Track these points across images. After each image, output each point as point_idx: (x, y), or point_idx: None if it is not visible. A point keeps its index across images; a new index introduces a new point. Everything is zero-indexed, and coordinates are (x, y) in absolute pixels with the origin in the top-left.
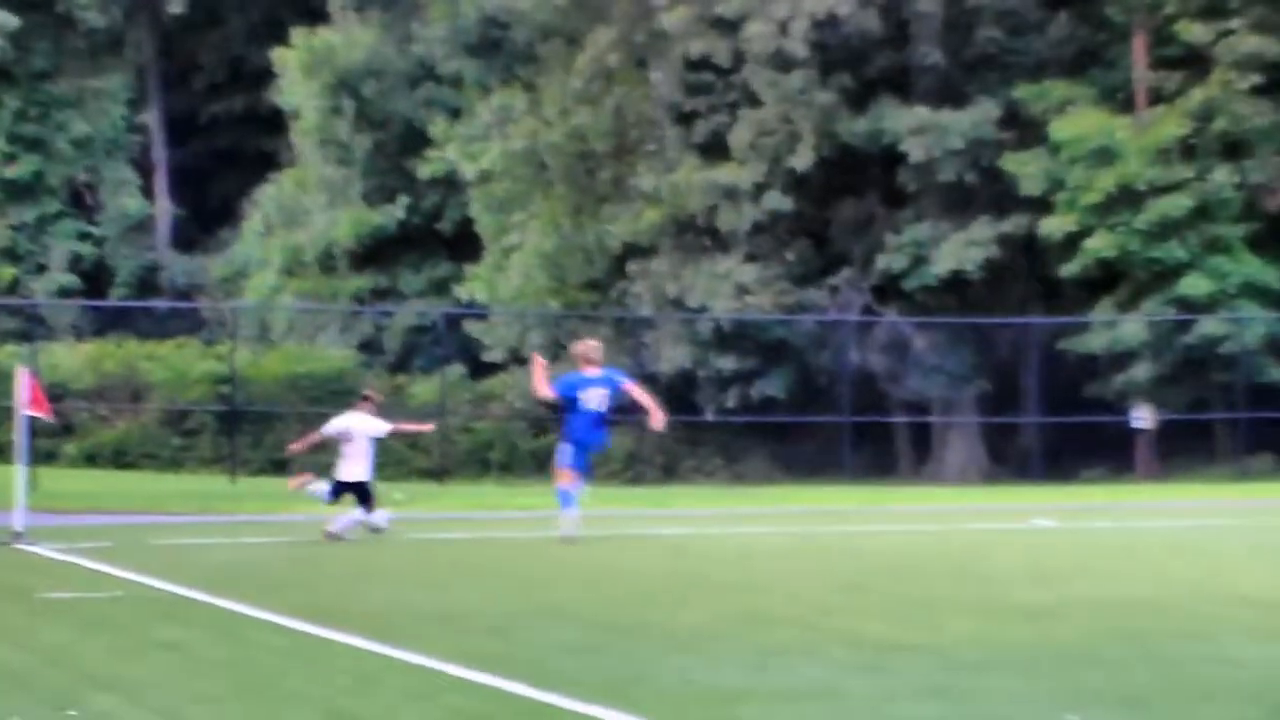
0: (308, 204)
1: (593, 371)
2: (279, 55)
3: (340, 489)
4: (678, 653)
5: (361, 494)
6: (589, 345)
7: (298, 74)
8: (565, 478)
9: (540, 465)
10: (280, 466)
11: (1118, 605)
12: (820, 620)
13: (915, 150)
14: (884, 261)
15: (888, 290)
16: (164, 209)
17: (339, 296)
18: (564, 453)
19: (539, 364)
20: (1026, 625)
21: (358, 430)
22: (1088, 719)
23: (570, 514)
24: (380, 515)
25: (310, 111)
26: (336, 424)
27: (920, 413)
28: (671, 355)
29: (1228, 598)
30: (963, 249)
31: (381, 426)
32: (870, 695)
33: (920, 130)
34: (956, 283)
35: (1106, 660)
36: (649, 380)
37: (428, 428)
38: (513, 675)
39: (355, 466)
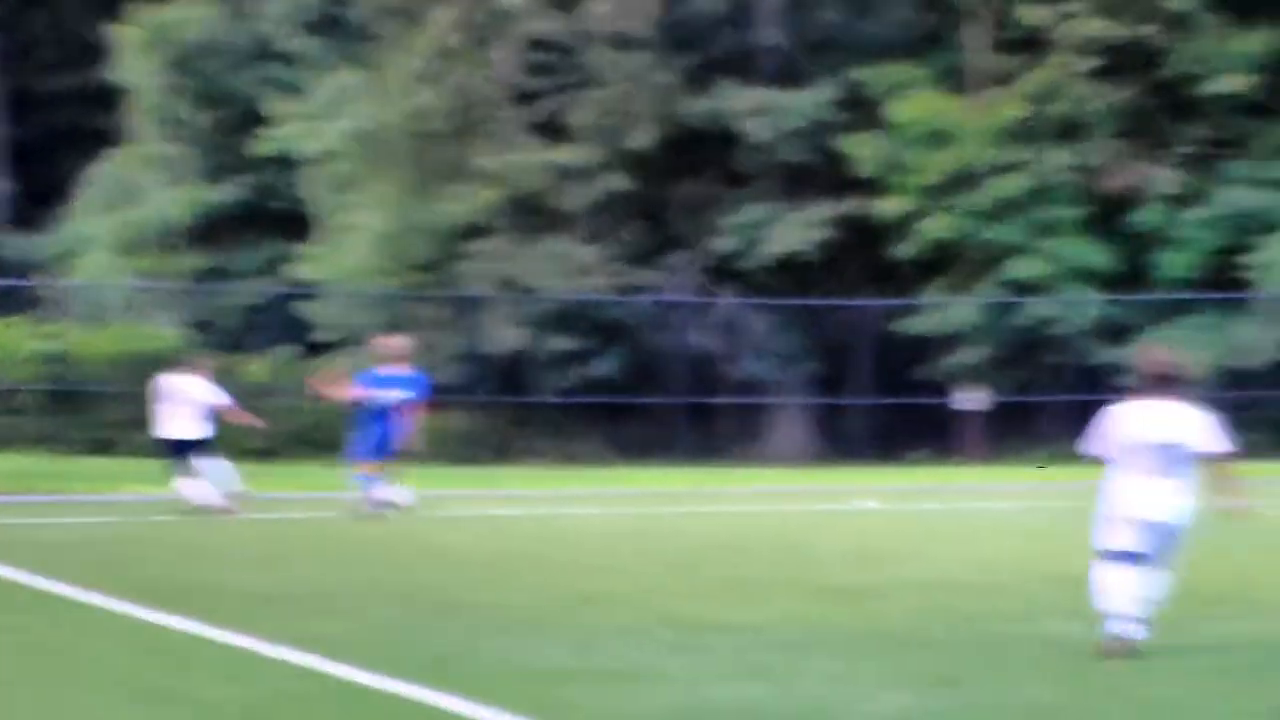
0: (144, 182)
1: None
2: (116, 31)
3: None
4: (501, 633)
5: (181, 452)
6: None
7: (135, 51)
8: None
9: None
10: (106, 446)
11: (941, 586)
12: (645, 600)
13: (754, 131)
14: (720, 243)
15: (723, 271)
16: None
17: (176, 275)
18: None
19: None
20: (849, 606)
21: (182, 390)
22: (909, 701)
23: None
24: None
25: (148, 89)
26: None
27: (753, 394)
28: (505, 336)
29: (1052, 578)
30: (798, 230)
31: (220, 398)
32: (692, 676)
33: (760, 111)
34: (792, 264)
35: (929, 641)
36: (480, 361)
37: (260, 424)
38: (334, 655)
39: (178, 425)
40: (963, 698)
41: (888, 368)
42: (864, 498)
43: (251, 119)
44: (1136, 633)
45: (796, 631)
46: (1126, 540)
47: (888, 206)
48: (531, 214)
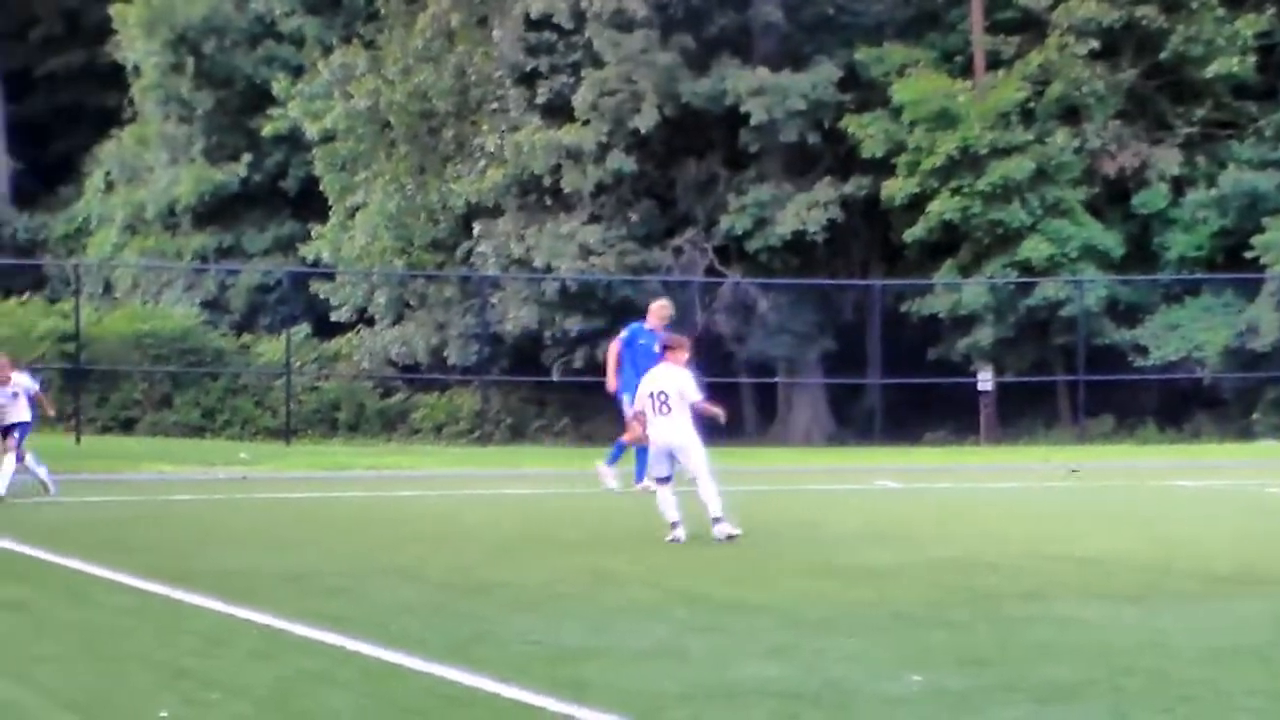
0: (150, 161)
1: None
2: (118, 10)
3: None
4: (523, 612)
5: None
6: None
7: (137, 30)
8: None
9: (388, 425)
10: (127, 426)
11: (959, 566)
12: (665, 580)
13: (757, 111)
14: (727, 222)
15: (731, 251)
16: (3, 164)
17: (183, 254)
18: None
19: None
20: (869, 586)
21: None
22: (929, 679)
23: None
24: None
25: (150, 68)
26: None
27: (766, 374)
28: (518, 315)
29: (1065, 558)
30: (805, 210)
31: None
32: (712, 654)
33: (761, 91)
34: (800, 244)
35: (947, 620)
36: (494, 341)
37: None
38: (358, 635)
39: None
40: (981, 677)
41: (900, 348)
42: (884, 478)
43: (254, 99)
44: None
45: (815, 611)
46: None
47: (894, 187)
48: (538, 194)
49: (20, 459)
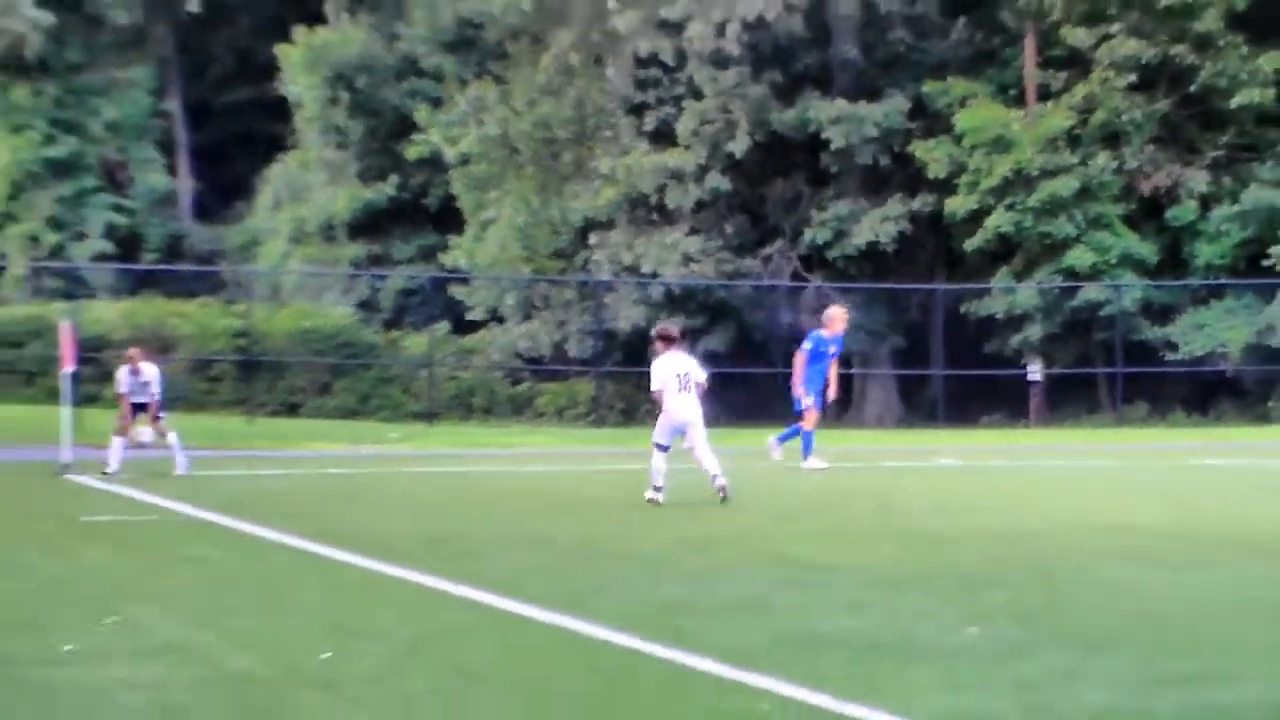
0: (310, 181)
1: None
2: (283, 51)
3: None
4: (630, 571)
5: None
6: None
7: (299, 68)
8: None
9: (516, 409)
10: (292, 410)
11: (1012, 533)
12: (755, 544)
13: (836, 137)
14: (810, 234)
15: (814, 259)
16: (186, 185)
17: (339, 262)
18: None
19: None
20: (934, 550)
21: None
22: (985, 631)
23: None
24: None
25: (311, 101)
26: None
27: (843, 365)
28: (628, 315)
29: (1106, 527)
30: (878, 224)
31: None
32: (796, 609)
33: (839, 120)
34: (873, 253)
35: (1001, 581)
36: (607, 337)
37: None
38: (491, 590)
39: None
40: (1030, 630)
41: (960, 343)
42: (946, 456)
43: (400, 127)
44: None
45: (888, 572)
46: None
47: (956, 204)
48: (645, 209)
49: (162, 434)
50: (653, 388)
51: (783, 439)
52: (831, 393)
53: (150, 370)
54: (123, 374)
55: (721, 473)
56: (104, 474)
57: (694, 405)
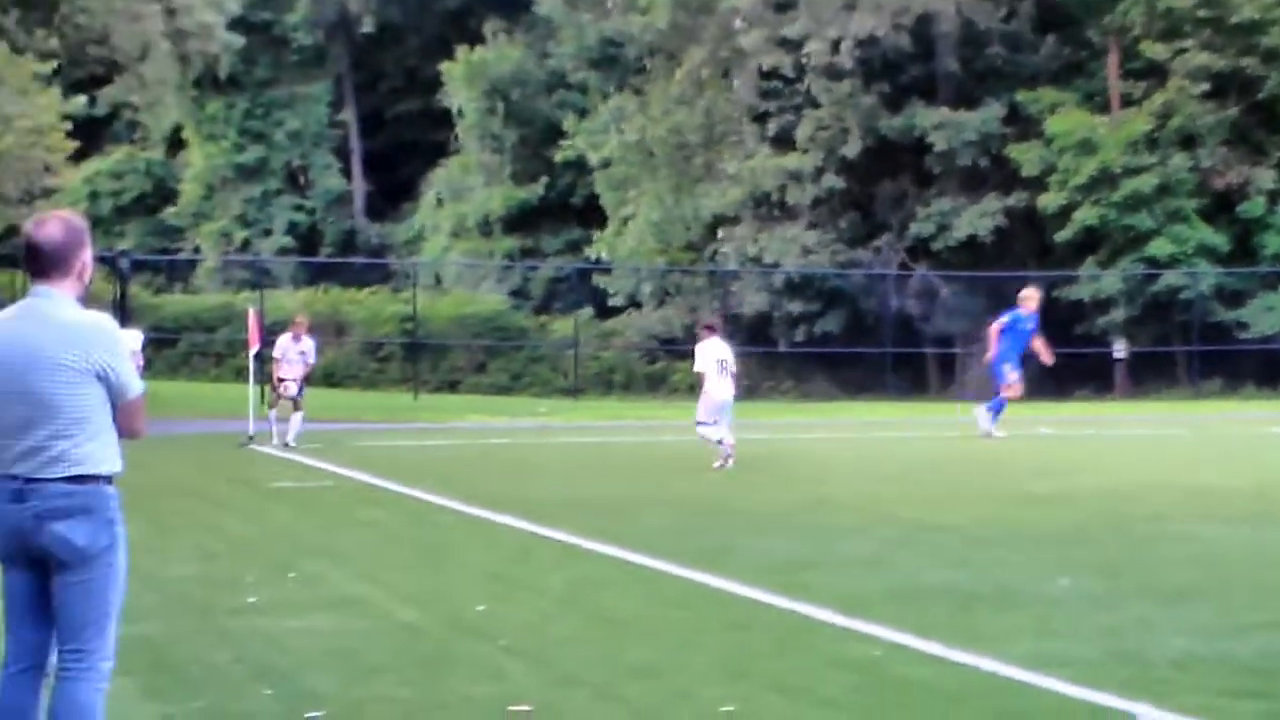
0: (470, 183)
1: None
2: (446, 67)
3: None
4: (754, 530)
5: None
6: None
7: (461, 82)
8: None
9: (652, 385)
10: (452, 386)
11: (1100, 494)
12: (869, 506)
13: (939, 141)
14: (916, 228)
15: (918, 250)
16: (359, 187)
17: (494, 254)
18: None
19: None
20: (1030, 510)
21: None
22: (1075, 583)
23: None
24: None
25: (470, 111)
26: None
27: (946, 346)
28: (752, 300)
29: (1185, 489)
30: (977, 218)
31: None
32: (907, 563)
33: (942, 125)
34: (972, 244)
35: (1091, 538)
36: (734, 320)
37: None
38: (631, 547)
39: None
40: (1116, 582)
41: (1052, 325)
42: (1040, 426)
43: (550, 133)
44: None
45: (989, 530)
46: None
47: (1048, 200)
48: (768, 206)
49: (296, 402)
50: (695, 369)
51: (992, 408)
52: (1047, 359)
53: (309, 342)
54: (285, 340)
55: (732, 450)
56: (286, 445)
57: (730, 388)
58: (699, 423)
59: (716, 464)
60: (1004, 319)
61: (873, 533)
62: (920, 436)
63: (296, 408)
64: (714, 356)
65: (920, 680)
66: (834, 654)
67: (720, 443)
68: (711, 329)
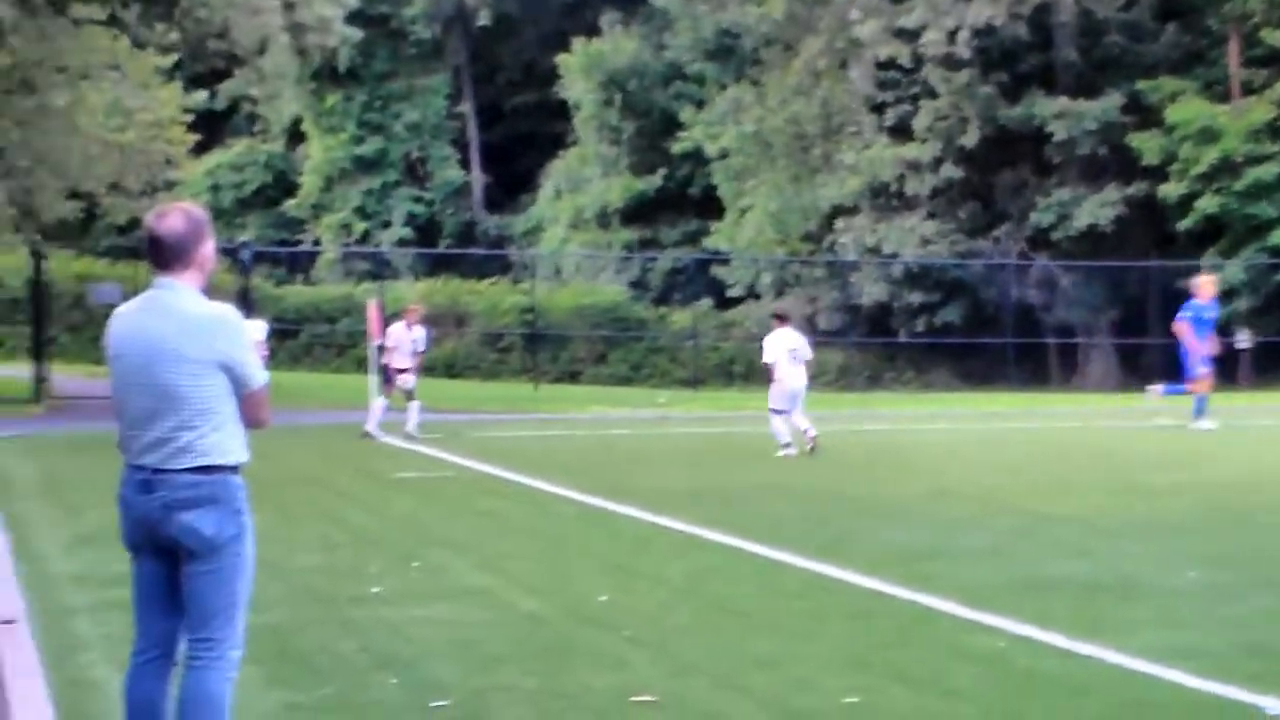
0: (587, 174)
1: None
2: (563, 60)
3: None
4: (875, 521)
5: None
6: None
7: (577, 74)
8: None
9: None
10: (573, 377)
11: (1223, 486)
12: (989, 496)
13: (1058, 131)
14: (1035, 218)
15: (1038, 240)
16: (478, 178)
17: (613, 245)
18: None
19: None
20: (1152, 501)
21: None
22: (1200, 574)
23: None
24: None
25: (588, 103)
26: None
27: (1067, 335)
28: (872, 291)
29: None
30: (1097, 208)
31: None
32: (1029, 555)
33: (1062, 115)
34: (1093, 234)
35: (1211, 529)
36: (853, 311)
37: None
38: (750, 537)
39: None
40: (1242, 575)
41: (1174, 315)
42: (1161, 418)
43: (667, 125)
44: None
45: (1110, 521)
46: None
47: (1168, 189)
48: (886, 197)
49: (410, 392)
50: (764, 359)
51: (1195, 407)
52: (1211, 351)
53: (420, 331)
54: (399, 328)
55: (814, 440)
56: (407, 435)
57: (802, 376)
58: (773, 410)
59: (781, 453)
60: (1186, 314)
61: (994, 523)
62: (1041, 427)
63: (411, 397)
64: (784, 346)
65: (1045, 672)
66: (957, 645)
67: (789, 442)
68: (781, 319)
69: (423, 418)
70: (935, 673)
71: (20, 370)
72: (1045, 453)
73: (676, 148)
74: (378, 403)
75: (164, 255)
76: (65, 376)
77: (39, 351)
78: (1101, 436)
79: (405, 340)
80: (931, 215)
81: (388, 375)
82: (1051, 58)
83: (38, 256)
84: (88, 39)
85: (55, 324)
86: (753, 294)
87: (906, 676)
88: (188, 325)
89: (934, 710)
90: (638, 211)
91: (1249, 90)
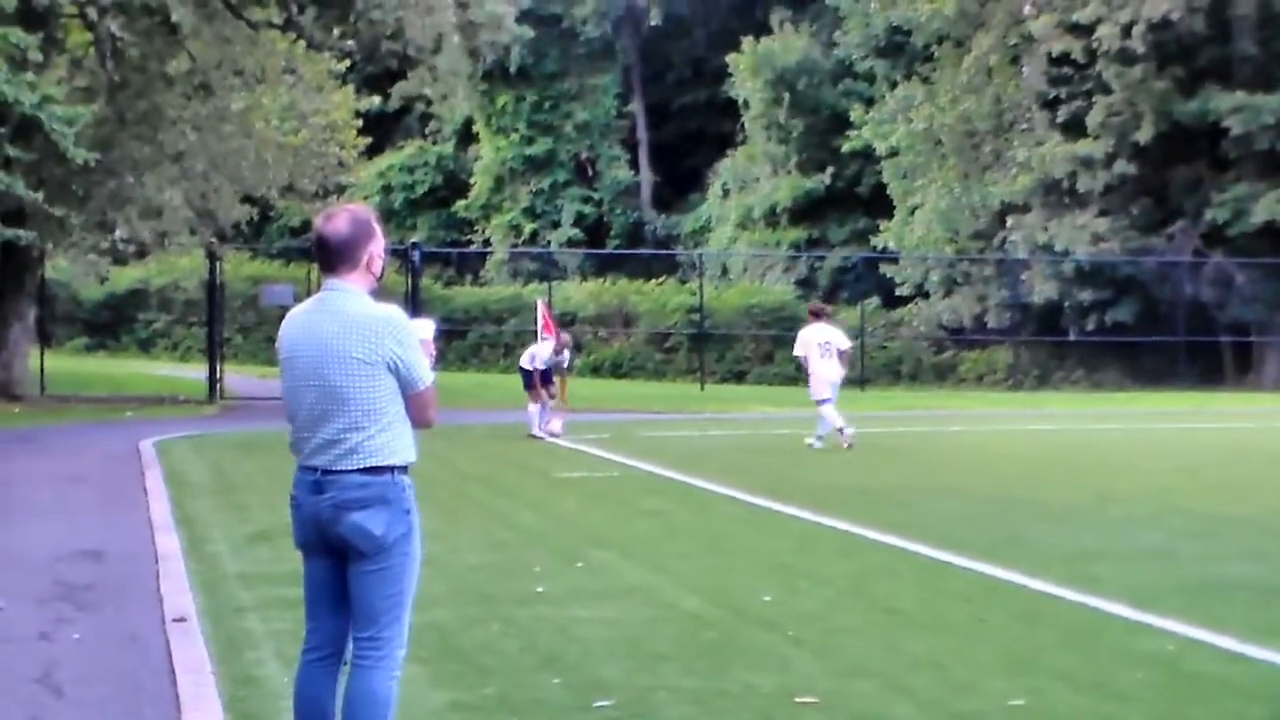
0: (756, 173)
1: None
2: (732, 58)
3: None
4: (1043, 522)
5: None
6: None
7: (746, 73)
8: None
9: (940, 375)
10: (739, 377)
11: None
12: (1159, 497)
13: (1235, 126)
14: (1211, 214)
15: (1213, 237)
16: (646, 178)
17: (781, 244)
18: None
19: None
20: None
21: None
22: None
23: None
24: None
25: (756, 102)
26: None
27: (1242, 334)
28: (1042, 289)
29: None
30: (1274, 204)
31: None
32: (1201, 556)
33: (1239, 109)
34: (1271, 230)
35: None
36: (1024, 309)
37: None
38: (916, 538)
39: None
40: None
41: None
42: None
43: (836, 123)
44: None
45: None
46: None
47: None
48: (1058, 194)
49: (554, 396)
50: (795, 352)
51: None
52: None
53: (566, 354)
54: (545, 350)
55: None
56: (551, 435)
57: (836, 368)
58: (819, 400)
59: (846, 444)
60: None
61: (1164, 524)
62: (1214, 427)
63: (550, 396)
64: (816, 340)
65: (1216, 676)
66: (1125, 648)
67: (843, 425)
68: (816, 314)
69: (570, 417)
70: (1103, 676)
71: (196, 371)
72: (1218, 453)
73: (845, 146)
74: (533, 407)
75: (331, 257)
76: (238, 377)
77: (213, 352)
78: (1277, 437)
79: (553, 361)
80: (1104, 212)
81: (529, 382)
82: (1229, 51)
83: (213, 259)
84: (264, 43)
85: (229, 325)
86: (922, 293)
87: (1073, 679)
88: (356, 326)
89: (1101, 714)
90: (806, 210)
91: None
